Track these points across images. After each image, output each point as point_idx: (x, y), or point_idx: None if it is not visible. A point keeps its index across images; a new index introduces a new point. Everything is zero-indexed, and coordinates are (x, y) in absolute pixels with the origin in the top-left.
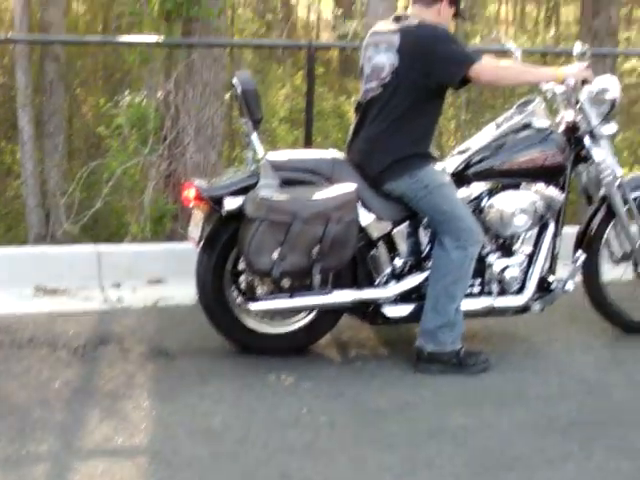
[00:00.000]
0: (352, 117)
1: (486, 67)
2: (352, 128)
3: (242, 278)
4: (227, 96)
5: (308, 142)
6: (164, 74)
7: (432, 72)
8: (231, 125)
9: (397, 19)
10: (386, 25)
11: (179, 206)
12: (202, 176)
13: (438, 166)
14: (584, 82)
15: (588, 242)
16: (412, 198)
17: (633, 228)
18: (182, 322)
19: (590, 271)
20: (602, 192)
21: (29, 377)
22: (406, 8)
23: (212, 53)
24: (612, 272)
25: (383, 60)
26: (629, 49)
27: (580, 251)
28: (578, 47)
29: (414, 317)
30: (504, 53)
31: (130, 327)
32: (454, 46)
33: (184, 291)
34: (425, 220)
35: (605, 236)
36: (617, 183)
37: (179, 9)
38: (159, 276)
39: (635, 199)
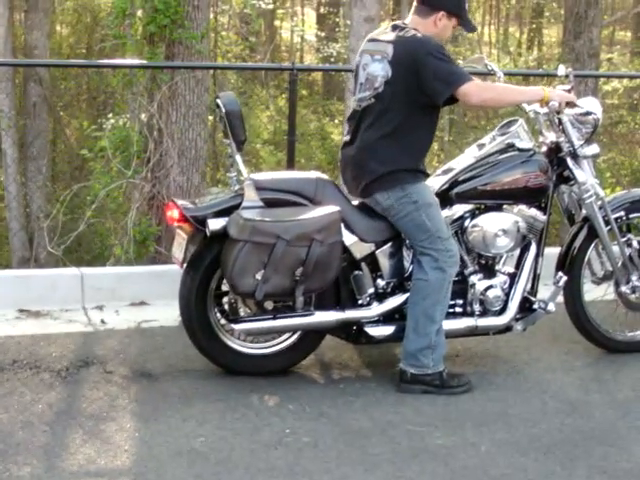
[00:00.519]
0: (338, 139)
1: (475, 89)
2: (346, 136)
3: (225, 299)
4: (210, 118)
5: (291, 164)
6: (147, 97)
7: (422, 87)
8: (214, 147)
9: (394, 28)
10: (383, 33)
11: (162, 228)
12: (185, 198)
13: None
14: (567, 104)
15: (570, 262)
16: (398, 212)
17: (614, 248)
18: (165, 344)
19: (572, 291)
20: (584, 213)
21: (12, 399)
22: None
23: (195, 76)
24: (594, 292)
25: (377, 70)
26: (610, 72)
27: (561, 272)
28: (562, 69)
29: (397, 337)
30: (487, 74)
31: (113, 349)
32: (445, 64)
33: (167, 313)
34: (408, 241)
35: (587, 257)
36: (599, 204)
37: (162, 32)
38: (142, 298)
39: (617, 219)
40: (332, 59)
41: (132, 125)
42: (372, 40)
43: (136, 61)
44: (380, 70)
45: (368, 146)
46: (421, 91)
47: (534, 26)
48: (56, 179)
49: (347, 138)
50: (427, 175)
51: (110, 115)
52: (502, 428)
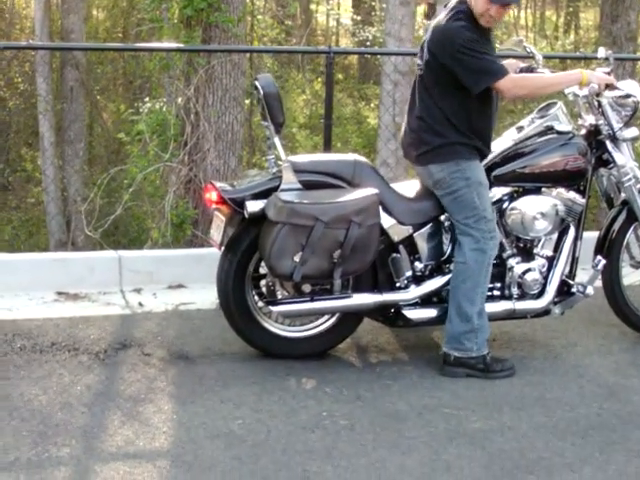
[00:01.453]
0: (374, 123)
1: (508, 85)
2: (408, 102)
3: (263, 282)
4: (247, 102)
5: (328, 147)
6: (184, 80)
7: (457, 76)
8: (251, 131)
9: (446, 8)
10: (445, 8)
11: (199, 211)
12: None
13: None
14: (607, 86)
15: (608, 246)
16: (449, 186)
17: None
18: (202, 327)
19: (610, 275)
20: (623, 196)
21: (51, 381)
22: (427, 15)
23: (232, 59)
24: (632, 276)
25: (425, 44)
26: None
27: (600, 256)
28: (602, 52)
29: (435, 320)
30: (526, 57)
31: (151, 332)
32: (475, 60)
33: (204, 296)
34: (447, 224)
35: (626, 240)
36: (638, 187)
37: (199, 15)
38: (180, 281)
39: None
40: (368, 43)
41: (169, 109)
42: (442, 10)
43: (173, 45)
44: (425, 45)
45: (424, 116)
46: (457, 79)
47: (571, 9)
48: (93, 163)
49: (409, 104)
50: (484, 155)
51: (147, 99)
52: (540, 412)
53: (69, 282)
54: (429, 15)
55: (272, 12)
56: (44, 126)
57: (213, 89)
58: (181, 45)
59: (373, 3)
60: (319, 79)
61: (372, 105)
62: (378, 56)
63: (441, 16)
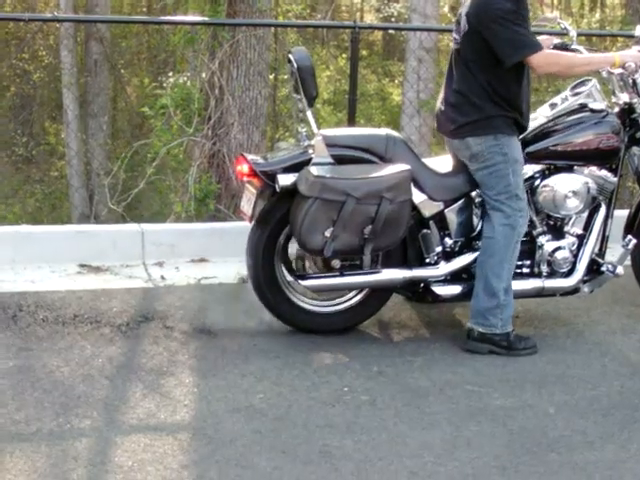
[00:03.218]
0: (398, 100)
1: (542, 60)
2: (445, 77)
3: (293, 255)
4: (271, 77)
5: (351, 123)
6: (209, 55)
7: (492, 47)
8: (274, 105)
9: None
10: None
11: (222, 186)
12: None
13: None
14: None
15: (639, 224)
16: (486, 159)
17: None
18: (224, 300)
19: (639, 253)
20: None
21: (73, 353)
22: None
23: (256, 34)
24: None
25: (463, 17)
26: None
27: (630, 235)
28: (639, 30)
29: (464, 296)
30: (560, 34)
31: (173, 305)
32: (513, 30)
33: (227, 270)
34: (478, 200)
35: None
36: None
37: None
38: (202, 255)
39: None
40: (392, 19)
41: (193, 83)
42: None
43: (198, 18)
44: (463, 19)
45: (462, 90)
46: (493, 50)
47: None
48: (116, 137)
49: (446, 78)
50: (523, 129)
51: (171, 73)
52: (561, 390)
53: (92, 255)
54: None
55: None
56: (68, 99)
57: (237, 63)
58: (206, 19)
59: None
60: (343, 55)
61: (396, 82)
62: (403, 32)
63: None
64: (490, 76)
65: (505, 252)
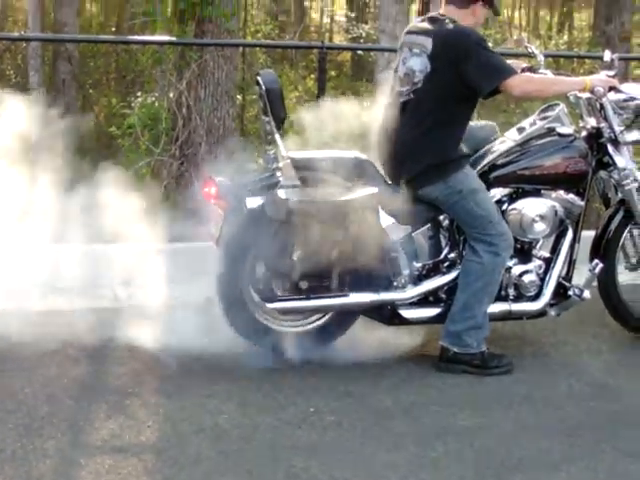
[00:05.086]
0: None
1: (518, 82)
2: (383, 129)
3: (260, 278)
4: (239, 97)
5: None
6: (176, 74)
7: (464, 80)
8: (242, 126)
9: (432, 20)
10: (421, 26)
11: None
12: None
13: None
14: (610, 89)
15: (605, 246)
16: (445, 203)
17: None
18: (190, 321)
19: (606, 274)
20: (620, 196)
21: (37, 374)
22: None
23: (224, 54)
24: (628, 274)
25: (416, 64)
26: None
27: (597, 259)
28: (607, 55)
29: (432, 319)
30: (527, 56)
31: (139, 325)
32: (488, 57)
33: (193, 290)
34: (445, 224)
35: (622, 240)
36: (637, 186)
37: (192, 9)
38: (168, 275)
39: None
40: (361, 40)
41: (161, 103)
42: (410, 32)
43: (165, 37)
44: (419, 64)
45: (407, 142)
46: (463, 84)
47: (565, 9)
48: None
49: (384, 133)
50: (468, 156)
51: (139, 93)
52: (528, 410)
53: (58, 274)
54: (422, 12)
55: (266, 8)
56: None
57: (205, 83)
58: (174, 38)
59: (367, 0)
60: (312, 75)
61: (365, 103)
62: (372, 53)
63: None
64: (447, 116)
65: (490, 277)
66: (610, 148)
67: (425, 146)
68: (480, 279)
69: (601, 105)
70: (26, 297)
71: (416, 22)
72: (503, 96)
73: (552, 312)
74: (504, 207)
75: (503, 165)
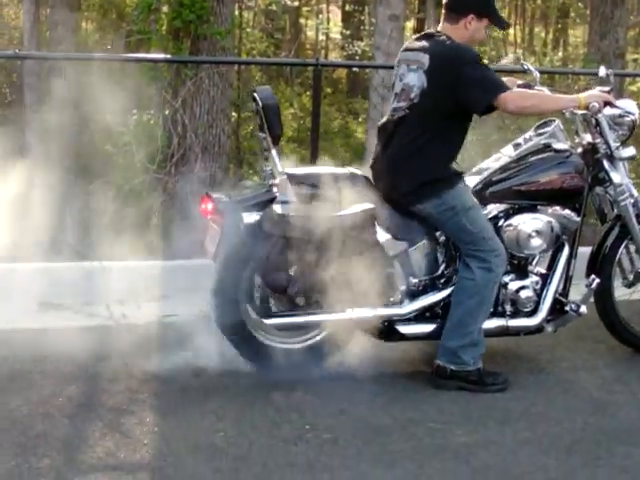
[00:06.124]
0: (361, 137)
1: (513, 98)
2: (378, 146)
3: (257, 294)
4: (234, 114)
5: (314, 161)
6: (172, 92)
7: (459, 96)
8: (238, 143)
9: (428, 37)
10: (418, 42)
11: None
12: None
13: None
14: (605, 105)
15: (601, 262)
16: (438, 219)
17: None
18: (186, 338)
19: (603, 290)
20: (616, 211)
21: (32, 392)
22: (416, 30)
23: (219, 71)
24: (625, 290)
25: (413, 80)
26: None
27: (594, 274)
28: (602, 70)
29: (428, 335)
30: (522, 72)
31: (134, 343)
32: (483, 73)
33: (188, 307)
34: (442, 240)
35: (618, 255)
36: (632, 201)
37: (188, 27)
38: (164, 292)
39: None
40: (357, 57)
41: (156, 120)
42: (407, 50)
43: (160, 55)
44: (416, 80)
45: (402, 159)
46: (458, 101)
47: (559, 26)
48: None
49: (380, 149)
50: (461, 175)
51: (134, 110)
52: (524, 427)
53: (53, 292)
54: (418, 30)
55: (261, 25)
56: (30, 135)
57: (200, 101)
58: (169, 56)
59: (362, 17)
60: (307, 92)
61: (360, 119)
62: (366, 70)
63: (425, 44)
64: (442, 133)
65: (484, 293)
66: (606, 164)
67: (420, 162)
68: (474, 297)
69: (597, 121)
70: (21, 315)
71: (413, 39)
72: (498, 113)
73: (549, 328)
74: (500, 223)
75: (499, 181)
